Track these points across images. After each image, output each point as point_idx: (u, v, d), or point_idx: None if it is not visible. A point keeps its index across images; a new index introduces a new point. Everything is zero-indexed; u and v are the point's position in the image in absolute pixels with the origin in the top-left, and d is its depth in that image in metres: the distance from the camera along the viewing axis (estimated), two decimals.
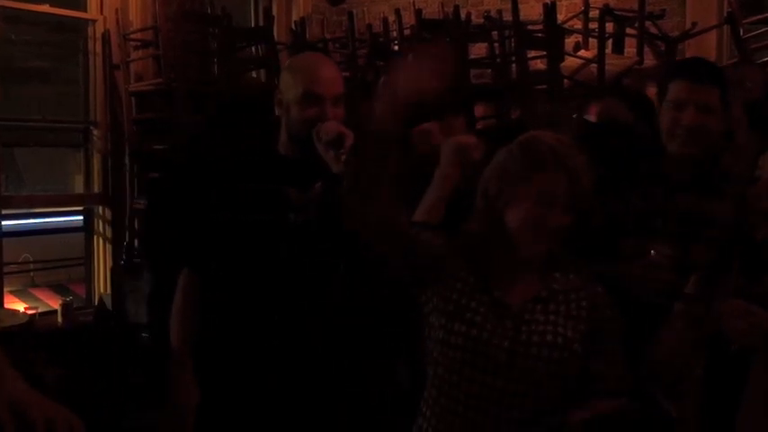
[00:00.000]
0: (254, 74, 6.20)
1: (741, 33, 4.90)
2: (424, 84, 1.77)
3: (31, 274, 6.07)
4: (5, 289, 5.16)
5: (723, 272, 2.10)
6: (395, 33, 5.71)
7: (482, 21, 5.95)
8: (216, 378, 2.51)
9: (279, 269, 2.42)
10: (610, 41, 5.25)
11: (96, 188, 5.69)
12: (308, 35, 6.23)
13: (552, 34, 4.94)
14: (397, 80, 1.81)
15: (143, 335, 4.85)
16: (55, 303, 5.41)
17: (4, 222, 5.06)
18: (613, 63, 4.92)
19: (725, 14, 5.18)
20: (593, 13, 5.38)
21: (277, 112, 2.52)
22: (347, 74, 5.55)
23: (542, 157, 1.84)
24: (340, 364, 2.45)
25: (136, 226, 5.34)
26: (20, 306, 5.15)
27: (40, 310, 5.18)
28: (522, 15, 5.15)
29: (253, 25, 6.64)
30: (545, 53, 4.98)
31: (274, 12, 6.44)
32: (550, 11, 4.89)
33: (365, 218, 1.90)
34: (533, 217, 1.83)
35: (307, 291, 2.42)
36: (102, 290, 5.58)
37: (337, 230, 2.30)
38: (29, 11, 5.42)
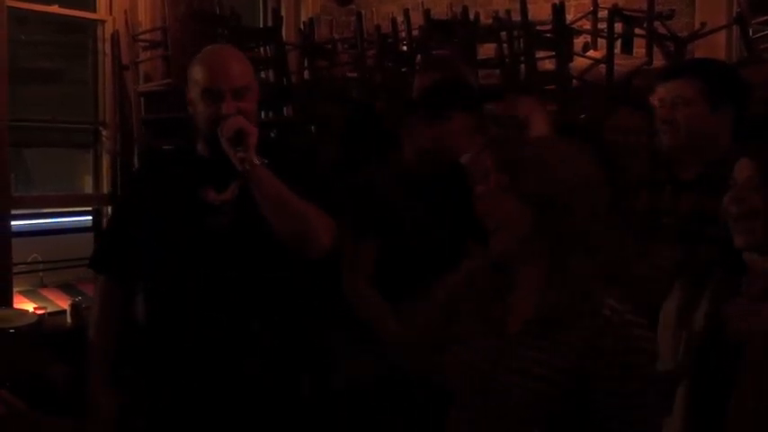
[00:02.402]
0: (262, 74, 6.21)
1: (750, 33, 4.88)
2: None
3: (41, 274, 6.05)
4: (15, 289, 5.17)
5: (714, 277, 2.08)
6: (403, 34, 5.70)
7: (491, 21, 5.95)
8: (150, 380, 2.56)
9: (196, 275, 2.38)
10: (619, 42, 5.24)
11: (105, 188, 5.69)
12: (316, 36, 6.24)
13: (561, 34, 4.93)
14: None
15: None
16: (64, 303, 5.41)
17: (13, 222, 5.07)
18: (622, 63, 4.91)
19: (734, 14, 5.17)
20: (602, 14, 5.38)
21: (189, 111, 2.49)
22: (354, 74, 5.56)
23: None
24: (253, 371, 2.40)
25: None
26: (29, 306, 5.14)
27: (49, 310, 5.18)
28: (531, 15, 5.14)
29: (261, 26, 6.65)
30: (554, 53, 4.97)
31: (283, 12, 6.46)
32: (559, 11, 4.88)
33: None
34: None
35: (224, 297, 2.37)
36: None
37: (253, 233, 2.33)
38: (38, 11, 5.43)
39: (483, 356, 1.78)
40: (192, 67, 2.47)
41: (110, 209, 5.66)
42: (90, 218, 5.70)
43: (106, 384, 2.56)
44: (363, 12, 6.10)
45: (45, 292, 5.84)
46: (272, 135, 4.73)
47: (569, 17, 5.37)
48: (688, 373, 2.03)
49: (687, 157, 2.48)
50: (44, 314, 4.92)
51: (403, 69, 5.35)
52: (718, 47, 5.31)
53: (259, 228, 2.31)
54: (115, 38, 5.62)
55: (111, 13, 5.66)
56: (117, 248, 2.56)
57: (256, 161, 2.28)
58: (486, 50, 5.69)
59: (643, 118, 3.12)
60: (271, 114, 5.91)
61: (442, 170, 2.81)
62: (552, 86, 4.94)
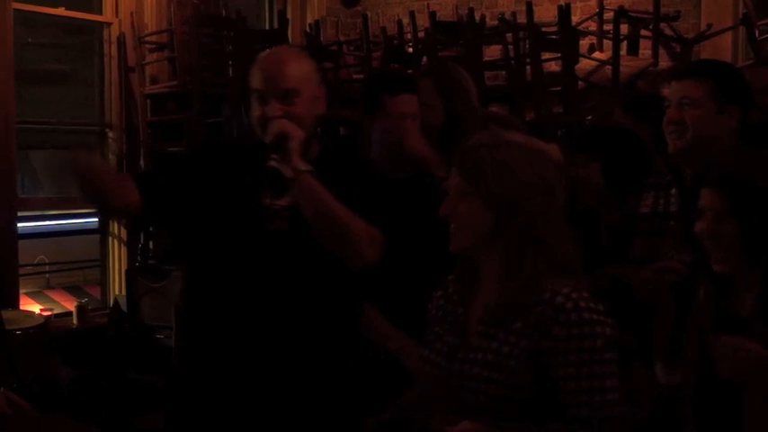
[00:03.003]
0: None
1: (757, 35, 4.88)
2: None
3: (47, 275, 6.07)
4: (21, 291, 5.19)
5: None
6: (409, 36, 5.70)
7: (496, 23, 5.94)
8: (199, 379, 2.44)
9: (253, 280, 2.32)
10: (624, 43, 5.23)
11: None
12: (322, 38, 6.24)
13: (567, 36, 4.93)
14: None
15: (157, 336, 4.87)
16: (70, 305, 5.43)
17: (20, 224, 5.08)
18: (628, 65, 4.90)
19: (740, 16, 5.16)
20: (608, 15, 5.37)
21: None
22: (360, 76, 5.56)
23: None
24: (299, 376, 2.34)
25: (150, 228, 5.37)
26: (35, 308, 5.16)
27: (55, 312, 5.21)
28: (537, 17, 5.14)
29: (267, 28, 6.66)
30: (559, 55, 4.97)
31: (289, 14, 6.47)
32: (565, 13, 4.88)
33: None
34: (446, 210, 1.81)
35: (283, 300, 2.31)
36: (116, 291, 5.60)
37: (309, 239, 2.24)
38: (45, 14, 5.46)
39: (444, 353, 1.81)
40: (251, 71, 2.40)
41: None
42: (96, 220, 5.71)
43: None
44: (369, 14, 6.11)
45: (51, 294, 5.87)
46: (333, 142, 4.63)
47: (575, 19, 5.37)
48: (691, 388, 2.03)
49: (692, 159, 2.47)
50: (50, 316, 4.94)
51: (409, 71, 5.36)
52: (724, 48, 5.30)
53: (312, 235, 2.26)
54: (121, 40, 5.64)
55: (117, 16, 5.68)
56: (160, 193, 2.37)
57: (302, 167, 2.19)
58: (492, 52, 5.70)
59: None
60: None
61: (406, 167, 2.83)
62: (558, 88, 4.94)
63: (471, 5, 5.65)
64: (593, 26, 5.65)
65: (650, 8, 5.07)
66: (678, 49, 5.16)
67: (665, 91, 2.54)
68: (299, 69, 2.33)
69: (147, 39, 5.67)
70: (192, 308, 2.51)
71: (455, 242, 1.80)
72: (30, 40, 5.60)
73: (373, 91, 2.93)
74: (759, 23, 4.89)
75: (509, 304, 1.73)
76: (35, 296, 5.69)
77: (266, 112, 2.26)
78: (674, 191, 2.53)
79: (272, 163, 2.19)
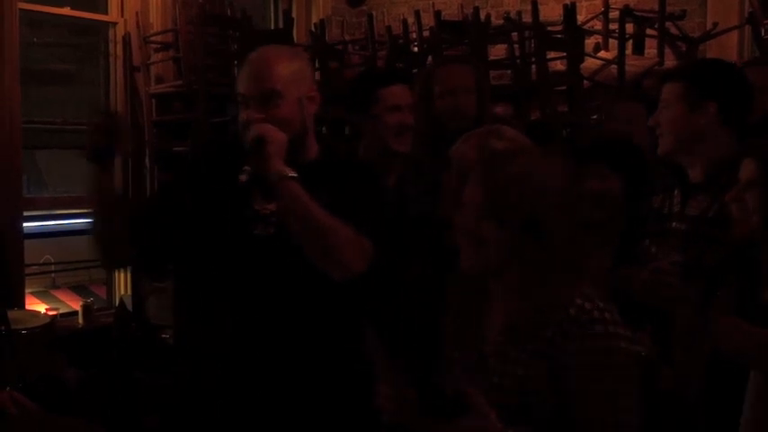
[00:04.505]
0: None
1: (762, 33, 4.87)
2: None
3: (53, 275, 6.10)
4: (27, 290, 5.20)
5: (723, 282, 2.08)
6: (414, 35, 5.70)
7: (502, 22, 5.94)
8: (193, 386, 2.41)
9: (243, 284, 2.25)
10: (630, 42, 5.22)
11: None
12: (327, 37, 6.24)
13: (572, 35, 4.92)
14: None
15: (163, 336, 4.87)
16: (76, 305, 5.44)
17: (25, 224, 5.09)
18: (634, 64, 4.90)
19: (746, 15, 5.15)
20: (614, 14, 5.36)
21: None
22: None
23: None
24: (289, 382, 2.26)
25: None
26: (41, 307, 5.17)
27: (60, 312, 5.21)
28: (542, 16, 5.13)
29: (272, 27, 6.66)
30: (565, 54, 4.96)
31: (294, 14, 6.47)
32: (570, 12, 4.87)
33: None
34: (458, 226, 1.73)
35: (269, 304, 2.25)
36: (122, 291, 5.61)
37: (296, 245, 2.15)
38: (50, 14, 5.46)
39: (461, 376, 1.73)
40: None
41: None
42: None
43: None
44: (374, 13, 6.11)
45: (57, 294, 5.89)
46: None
47: (580, 18, 5.35)
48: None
49: (686, 159, 2.49)
50: (56, 315, 4.94)
51: (414, 70, 5.35)
52: (729, 47, 5.29)
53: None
54: (126, 40, 5.64)
55: (122, 15, 5.68)
56: (150, 218, 2.35)
57: (284, 173, 2.10)
58: (497, 51, 5.69)
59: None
60: None
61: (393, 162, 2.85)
62: (563, 87, 4.93)
63: (476, 5, 5.65)
64: (598, 25, 5.65)
65: (656, 7, 5.06)
66: (684, 49, 5.15)
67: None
68: (283, 70, 2.23)
69: (153, 38, 5.67)
70: (181, 311, 2.48)
71: (471, 261, 1.71)
72: (35, 39, 5.61)
73: (364, 87, 2.92)
74: (765, 22, 4.88)
75: (525, 324, 1.65)
76: (41, 296, 5.70)
77: (244, 115, 2.19)
78: (676, 192, 2.53)
79: (247, 169, 2.11)
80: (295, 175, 2.11)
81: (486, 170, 1.70)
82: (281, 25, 6.36)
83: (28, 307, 4.99)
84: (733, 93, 2.45)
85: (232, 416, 2.27)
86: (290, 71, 2.24)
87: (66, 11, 5.56)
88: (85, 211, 5.69)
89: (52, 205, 5.73)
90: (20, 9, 4.96)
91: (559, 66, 5.15)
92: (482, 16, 5.47)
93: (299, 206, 2.12)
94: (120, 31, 5.68)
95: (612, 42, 5.30)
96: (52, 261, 5.93)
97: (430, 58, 5.37)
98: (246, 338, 2.26)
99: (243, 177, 2.13)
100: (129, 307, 5.20)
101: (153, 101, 5.61)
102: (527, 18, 5.34)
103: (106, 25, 5.74)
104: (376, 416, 1.75)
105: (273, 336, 2.25)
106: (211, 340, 2.30)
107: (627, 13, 5.08)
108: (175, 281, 2.46)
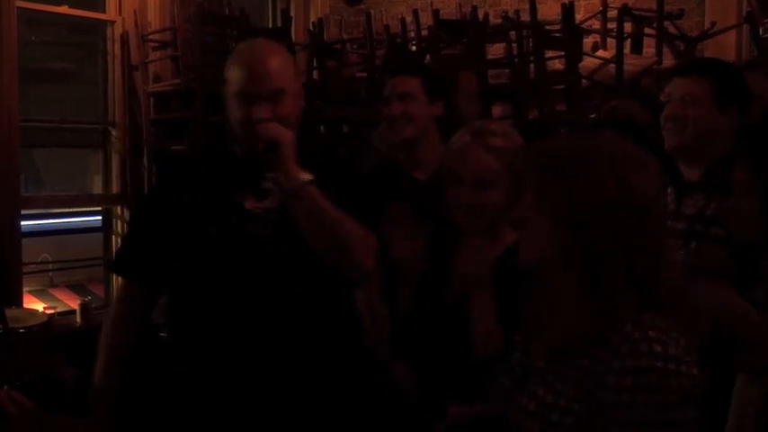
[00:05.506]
0: None
1: (760, 33, 4.86)
2: None
3: (50, 274, 6.10)
4: (25, 289, 5.19)
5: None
6: (412, 34, 5.70)
7: (500, 21, 5.94)
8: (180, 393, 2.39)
9: (236, 283, 2.21)
10: (628, 41, 5.23)
11: (115, 188, 5.71)
12: (325, 36, 6.23)
13: (570, 34, 4.92)
14: None
15: (162, 334, 4.86)
16: (73, 303, 5.44)
17: (23, 222, 5.08)
18: (632, 63, 4.90)
19: (744, 14, 5.15)
20: (612, 13, 5.37)
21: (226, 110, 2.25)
22: (364, 74, 5.56)
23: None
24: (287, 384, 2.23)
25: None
26: (39, 306, 5.17)
27: (58, 310, 5.21)
28: (540, 15, 5.13)
29: (270, 26, 6.65)
30: (563, 53, 4.96)
31: (292, 13, 6.47)
32: (568, 11, 4.87)
33: None
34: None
35: (264, 305, 2.21)
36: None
37: (295, 244, 2.14)
38: (48, 12, 5.46)
39: (510, 382, 1.67)
40: (227, 65, 2.23)
41: (118, 209, 5.68)
42: (99, 218, 5.72)
43: (112, 383, 2.46)
44: (372, 12, 6.10)
45: (55, 292, 5.89)
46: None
47: (578, 17, 5.35)
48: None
49: (690, 158, 2.48)
50: (54, 314, 4.94)
51: None
52: (727, 46, 5.29)
53: (301, 239, 2.14)
54: (125, 38, 5.64)
55: (120, 14, 5.67)
56: (141, 251, 2.35)
57: (302, 177, 2.08)
58: (496, 50, 5.69)
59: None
60: None
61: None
62: (561, 86, 4.93)
63: (474, 4, 5.64)
64: (596, 24, 5.65)
65: (654, 6, 5.06)
66: (682, 48, 5.15)
67: (666, 87, 2.55)
68: (285, 66, 2.21)
69: (151, 37, 5.67)
70: (175, 311, 2.44)
71: (522, 254, 1.58)
72: (33, 38, 5.61)
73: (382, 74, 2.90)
74: (763, 21, 4.88)
75: (570, 341, 1.49)
76: (39, 294, 5.70)
77: (253, 113, 2.12)
78: (669, 190, 2.52)
79: (271, 176, 2.10)
80: (313, 177, 2.10)
81: (533, 157, 1.59)
82: (279, 24, 6.35)
83: (26, 306, 4.99)
84: (749, 99, 2.46)
85: (232, 415, 2.25)
86: (288, 65, 2.24)
87: (65, 9, 5.55)
88: (83, 209, 5.73)
89: (50, 204, 5.73)
90: (18, 7, 4.95)
91: (558, 65, 5.14)
92: (480, 15, 5.47)
93: (317, 208, 2.10)
94: (118, 30, 5.67)
95: (611, 41, 5.30)
96: (50, 260, 5.93)
97: (428, 56, 5.38)
98: (244, 338, 2.23)
99: (267, 185, 2.13)
100: None
101: (151, 99, 5.61)
102: (525, 17, 5.34)
103: (104, 24, 5.73)
104: (375, 415, 1.75)
105: (272, 335, 2.22)
106: (208, 341, 2.28)
107: (625, 12, 5.07)
108: (169, 282, 2.44)
